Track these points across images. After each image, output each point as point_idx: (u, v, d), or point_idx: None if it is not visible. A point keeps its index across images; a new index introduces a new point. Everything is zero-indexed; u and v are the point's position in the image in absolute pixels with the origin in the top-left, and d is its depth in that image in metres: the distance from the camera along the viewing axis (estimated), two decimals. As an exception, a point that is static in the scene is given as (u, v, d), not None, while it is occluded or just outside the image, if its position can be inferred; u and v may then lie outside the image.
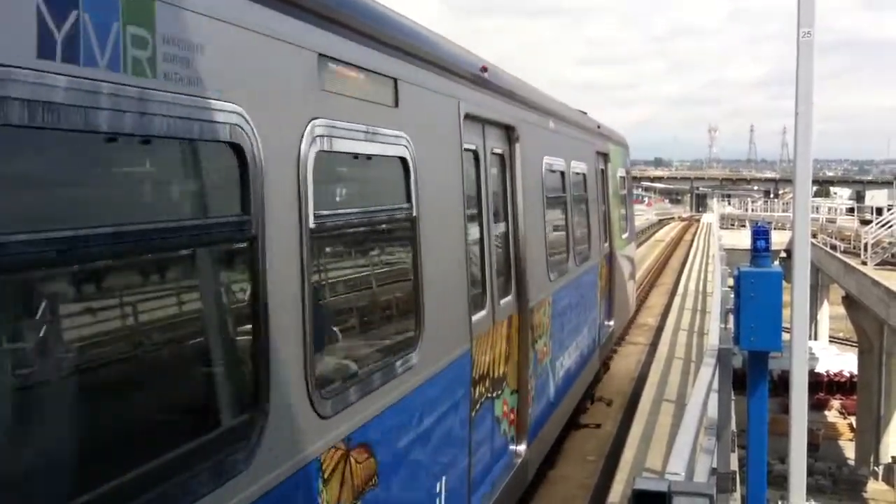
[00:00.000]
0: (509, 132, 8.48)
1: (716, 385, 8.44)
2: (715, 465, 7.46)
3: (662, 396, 14.51)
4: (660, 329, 23.20)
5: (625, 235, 18.36)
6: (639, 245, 59.66)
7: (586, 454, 13.18)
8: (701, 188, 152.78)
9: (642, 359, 19.78)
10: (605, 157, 15.70)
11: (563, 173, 11.34)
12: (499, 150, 8.16)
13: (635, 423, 12.99)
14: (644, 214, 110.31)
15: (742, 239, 36.26)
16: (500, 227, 8.24)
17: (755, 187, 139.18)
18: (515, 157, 8.51)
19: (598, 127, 15.62)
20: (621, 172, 18.18)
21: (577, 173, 12.52)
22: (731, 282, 11.72)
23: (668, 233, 75.86)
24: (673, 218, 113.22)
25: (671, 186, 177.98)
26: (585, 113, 14.86)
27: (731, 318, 9.95)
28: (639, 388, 16.12)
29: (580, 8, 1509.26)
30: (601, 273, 14.55)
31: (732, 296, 9.52)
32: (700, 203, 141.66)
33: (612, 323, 16.22)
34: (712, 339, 10.45)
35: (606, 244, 15.42)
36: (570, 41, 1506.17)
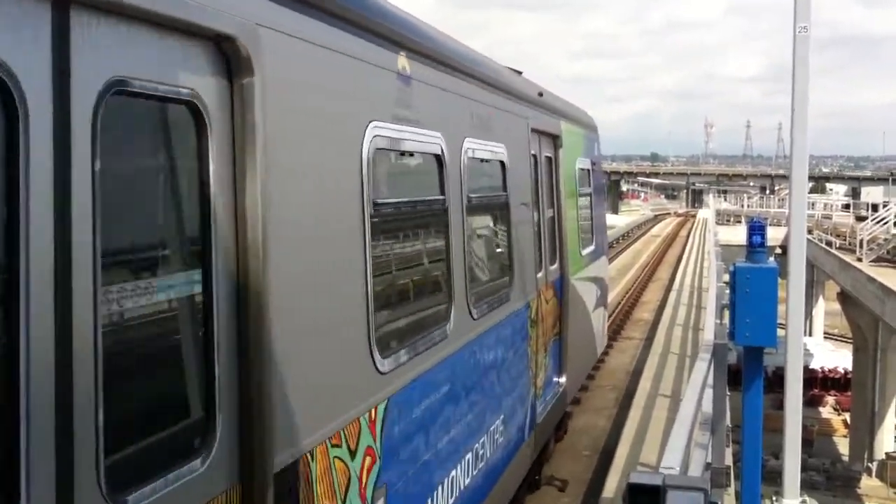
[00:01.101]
0: (222, 48, 3.65)
1: (711, 380, 8.45)
2: (710, 460, 7.47)
3: (658, 391, 14.56)
4: (655, 323, 23.28)
5: (588, 250, 13.37)
6: (634, 241, 59.89)
7: None
8: (697, 184, 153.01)
9: (637, 354, 19.83)
10: (552, 139, 11.08)
11: (439, 159, 6.39)
12: (178, 90, 3.40)
13: (630, 418, 13.03)
14: (640, 210, 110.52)
15: (738, 234, 36.27)
16: (165, 290, 3.49)
17: (751, 183, 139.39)
18: (250, 112, 3.70)
19: (540, 95, 10.62)
20: (583, 163, 13.24)
21: (485, 161, 7.77)
22: (726, 277, 11.69)
23: (663, 228, 76.02)
24: (669, 213, 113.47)
25: (667, 182, 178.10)
26: (520, 73, 10.42)
27: (727, 313, 9.97)
28: (633, 383, 16.17)
29: (576, 2, 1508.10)
30: (537, 315, 9.60)
31: (728, 291, 9.54)
32: (696, 199, 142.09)
33: (563, 380, 11.18)
34: (707, 335, 10.45)
35: (554, 266, 10.81)
36: (566, 35, 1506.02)
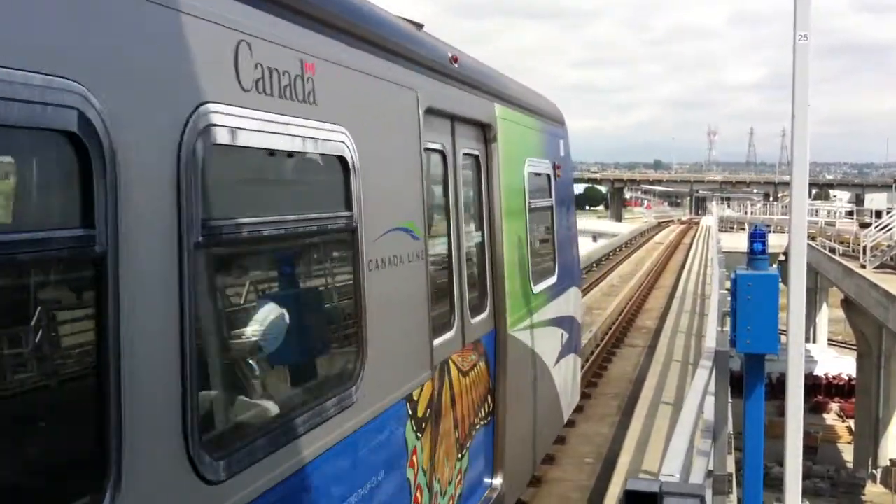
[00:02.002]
0: None
1: (712, 388, 8.46)
2: (711, 468, 7.48)
3: (660, 399, 14.56)
4: (658, 331, 23.27)
5: (546, 283, 9.96)
6: (637, 248, 59.76)
7: None
8: (700, 191, 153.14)
9: (640, 361, 19.82)
10: (480, 129, 7.85)
11: (82, 147, 2.78)
12: None
13: (632, 426, 13.04)
14: (643, 217, 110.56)
15: (741, 241, 36.32)
16: None
17: (754, 190, 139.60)
18: None
19: (454, 61, 7.00)
20: (539, 166, 9.86)
21: (286, 153, 4.35)
22: (728, 284, 11.68)
23: (667, 235, 75.98)
24: (672, 221, 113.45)
25: (670, 189, 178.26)
26: (421, 26, 6.85)
27: (729, 320, 9.98)
28: (636, 390, 16.17)
29: (579, 10, 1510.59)
30: (435, 405, 6.21)
31: (730, 298, 9.55)
32: (699, 206, 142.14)
33: (497, 481, 8.02)
34: (709, 342, 10.46)
35: (482, 317, 7.60)
36: (569, 43, 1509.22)
